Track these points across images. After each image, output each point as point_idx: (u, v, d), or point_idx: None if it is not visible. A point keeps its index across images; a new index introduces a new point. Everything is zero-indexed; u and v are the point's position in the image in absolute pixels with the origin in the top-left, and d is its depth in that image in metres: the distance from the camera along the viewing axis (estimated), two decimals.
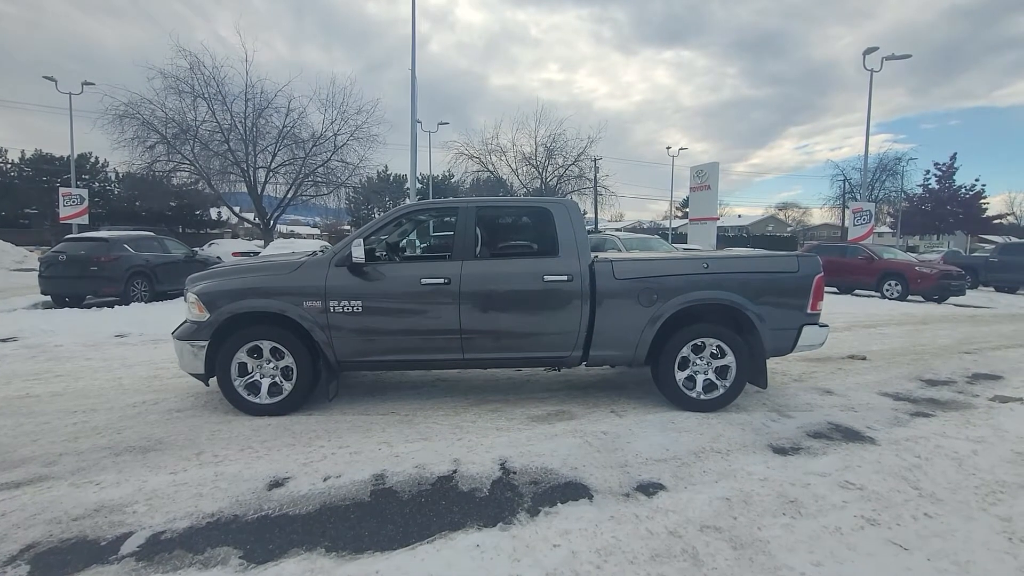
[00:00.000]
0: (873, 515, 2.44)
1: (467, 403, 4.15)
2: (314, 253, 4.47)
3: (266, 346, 3.77)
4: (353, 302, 3.75)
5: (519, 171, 30.87)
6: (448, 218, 4.65)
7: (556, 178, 30.69)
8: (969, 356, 6.19)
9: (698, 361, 3.97)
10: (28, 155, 43.33)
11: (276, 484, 2.74)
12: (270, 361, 3.80)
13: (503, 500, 2.61)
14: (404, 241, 5.64)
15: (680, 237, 35.14)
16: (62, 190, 21.52)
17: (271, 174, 20.28)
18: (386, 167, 46.98)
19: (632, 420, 3.73)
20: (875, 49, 20.10)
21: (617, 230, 25.34)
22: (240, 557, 2.13)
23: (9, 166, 43.14)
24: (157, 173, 19.45)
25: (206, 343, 3.73)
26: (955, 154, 41.78)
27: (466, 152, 30.08)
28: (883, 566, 2.10)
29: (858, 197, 28.57)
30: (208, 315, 3.74)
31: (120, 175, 33.24)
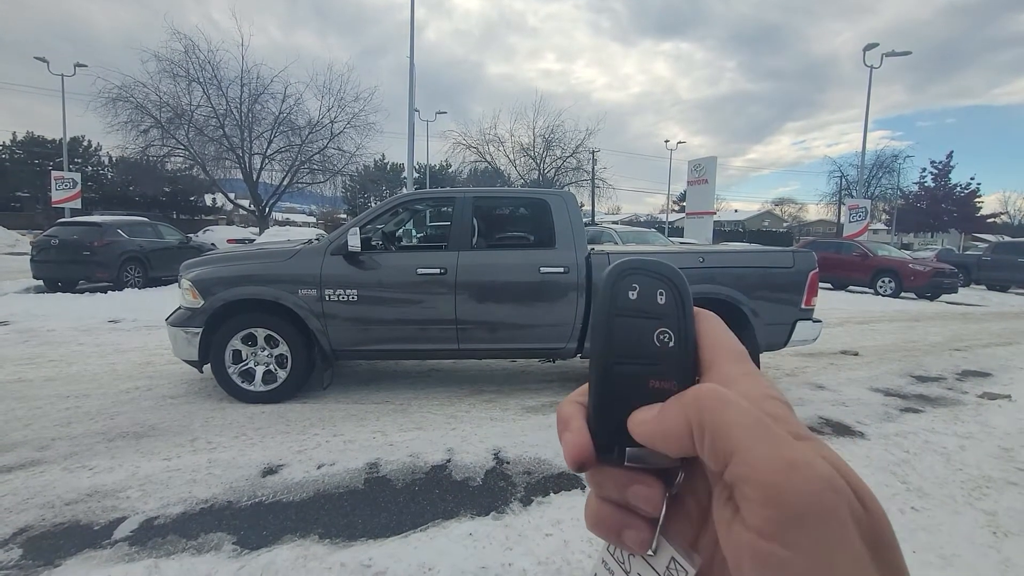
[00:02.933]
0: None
1: (462, 393, 4.16)
2: (309, 241, 4.45)
3: (261, 334, 3.76)
4: (349, 291, 3.74)
5: (517, 162, 30.82)
6: (445, 208, 4.63)
7: (554, 170, 30.62)
8: (960, 353, 6.25)
9: None
10: (20, 137, 42.77)
11: (270, 471, 2.75)
12: (264, 349, 3.80)
13: (496, 489, 2.63)
14: (400, 230, 5.62)
15: (677, 231, 35.17)
16: (54, 173, 21.22)
17: (267, 161, 20.12)
18: (383, 156, 46.63)
19: None
20: (875, 45, 20.05)
21: (614, 223, 25.35)
22: (234, 543, 2.13)
23: (0, 148, 42.54)
24: (151, 158, 19.25)
25: (200, 330, 3.71)
26: (951, 152, 42.02)
27: (464, 142, 30.00)
28: None
29: (854, 194, 28.66)
30: (202, 302, 3.72)
31: (113, 159, 32.89)
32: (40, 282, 10.05)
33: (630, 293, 0.30)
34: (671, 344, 0.29)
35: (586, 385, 0.31)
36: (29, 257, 10.02)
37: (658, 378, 0.28)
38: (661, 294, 0.30)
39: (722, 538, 0.24)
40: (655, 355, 0.29)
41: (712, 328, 0.30)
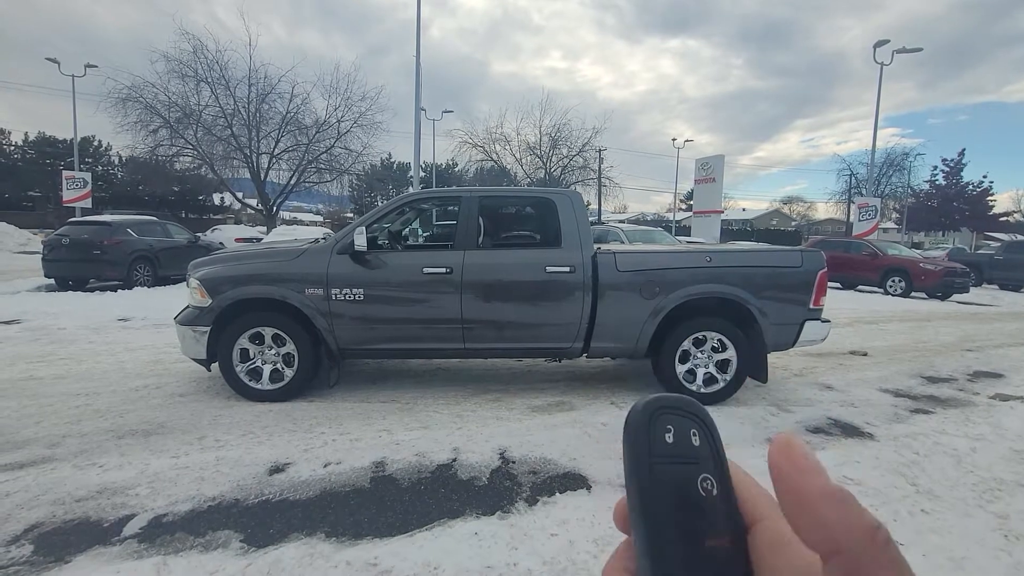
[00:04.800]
0: (870, 510, 2.44)
1: (467, 392, 4.16)
2: (316, 240, 4.46)
3: (268, 332, 3.79)
4: (355, 290, 3.76)
5: (523, 161, 30.81)
6: (451, 207, 4.63)
7: (560, 168, 30.58)
8: (971, 354, 6.17)
9: (699, 354, 3.97)
10: (31, 137, 43.29)
11: (277, 469, 2.76)
12: (272, 347, 3.82)
13: (502, 489, 2.63)
14: (407, 230, 5.64)
15: (684, 230, 35.01)
16: (65, 173, 21.46)
17: (274, 160, 20.21)
18: (390, 155, 46.81)
19: None
20: (886, 42, 19.83)
21: (620, 222, 25.28)
22: (241, 540, 2.15)
23: (12, 148, 43.03)
24: (160, 157, 19.39)
25: (208, 328, 3.74)
26: (963, 150, 41.59)
27: (470, 141, 30.02)
28: None
29: (864, 192, 28.39)
30: (210, 301, 3.74)
31: (123, 159, 33.20)
32: (51, 281, 10.17)
33: (667, 436, 0.27)
34: (715, 492, 0.26)
35: (622, 546, 0.28)
36: (40, 256, 10.15)
37: (713, 535, 0.25)
38: (695, 434, 0.27)
39: None
40: (703, 507, 0.26)
41: (739, 473, 0.28)
